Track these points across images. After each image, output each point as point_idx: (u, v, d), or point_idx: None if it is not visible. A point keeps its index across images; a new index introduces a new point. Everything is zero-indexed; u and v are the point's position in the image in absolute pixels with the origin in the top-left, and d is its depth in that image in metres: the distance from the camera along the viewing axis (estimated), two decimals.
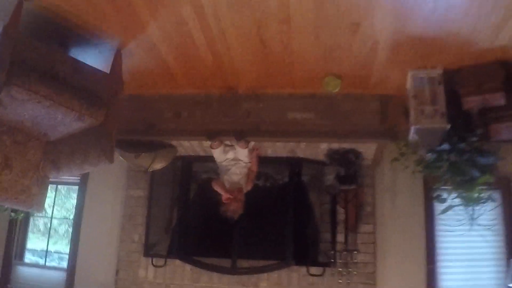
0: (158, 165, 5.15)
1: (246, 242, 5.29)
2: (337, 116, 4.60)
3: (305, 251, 5.18)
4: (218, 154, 4.80)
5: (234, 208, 4.56)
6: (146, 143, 4.98)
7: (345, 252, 4.99)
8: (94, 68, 3.94)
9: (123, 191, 5.79)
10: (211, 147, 4.75)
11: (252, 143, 4.76)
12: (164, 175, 5.63)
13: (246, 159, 4.76)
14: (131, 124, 4.88)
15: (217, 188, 4.69)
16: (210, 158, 4.98)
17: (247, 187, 4.76)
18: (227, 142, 4.81)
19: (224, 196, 4.58)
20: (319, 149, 4.97)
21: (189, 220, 5.56)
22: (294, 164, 5.29)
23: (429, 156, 3.99)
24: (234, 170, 4.78)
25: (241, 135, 4.61)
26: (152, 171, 5.29)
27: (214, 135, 4.67)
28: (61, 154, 4.08)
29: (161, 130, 4.87)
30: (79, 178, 5.99)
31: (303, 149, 5.02)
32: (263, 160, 5.04)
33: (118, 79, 4.03)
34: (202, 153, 5.35)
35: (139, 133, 4.89)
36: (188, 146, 5.14)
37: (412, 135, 3.89)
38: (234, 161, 4.81)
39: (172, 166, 5.49)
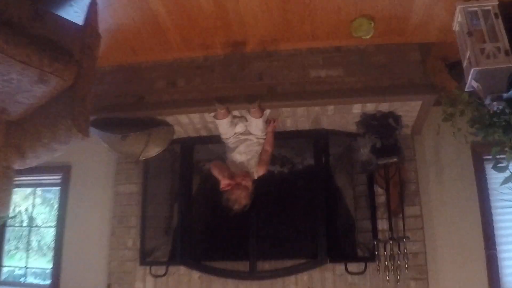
0: (152, 151, 4.23)
1: (266, 239, 4.33)
2: (370, 71, 3.81)
3: (340, 245, 4.24)
4: (224, 126, 3.85)
5: (236, 198, 3.55)
6: (136, 122, 4.01)
7: (391, 242, 3.97)
8: (62, 17, 3.10)
9: (112, 188, 4.82)
10: (216, 117, 3.81)
11: (268, 112, 3.78)
12: (160, 164, 4.69)
13: (259, 133, 3.84)
14: (116, 100, 4.02)
15: (214, 171, 3.71)
16: (215, 138, 4.08)
17: (259, 171, 3.78)
18: (236, 113, 3.90)
19: (222, 182, 3.59)
20: (351, 115, 4.06)
21: (194, 218, 4.59)
22: (320, 138, 4.34)
23: (494, 106, 2.99)
24: (243, 148, 3.84)
25: (254, 99, 3.66)
26: (144, 159, 4.36)
27: (223, 100, 3.71)
28: (25, 136, 3.21)
29: (151, 103, 4.01)
30: (59, 176, 5.04)
31: (330, 117, 4.11)
32: (281, 136, 4.13)
33: (93, 32, 3.16)
34: (204, 133, 4.42)
35: (123, 108, 4.00)
36: (187, 124, 4.22)
37: (470, 83, 3.07)
38: (244, 135, 3.88)
39: (169, 152, 4.57)
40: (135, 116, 4.00)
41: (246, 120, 3.88)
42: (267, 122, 3.88)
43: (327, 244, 4.10)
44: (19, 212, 5.30)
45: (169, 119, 4.07)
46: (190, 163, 4.63)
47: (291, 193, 4.61)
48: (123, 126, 4.02)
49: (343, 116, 4.03)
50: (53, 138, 3.08)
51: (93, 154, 4.87)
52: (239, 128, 3.87)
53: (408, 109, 3.90)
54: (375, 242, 4.01)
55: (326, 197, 4.22)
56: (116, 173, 4.81)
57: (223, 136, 3.89)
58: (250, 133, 3.85)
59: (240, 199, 3.54)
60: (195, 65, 4.06)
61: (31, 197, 5.32)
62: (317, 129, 4.27)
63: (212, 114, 3.82)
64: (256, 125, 3.77)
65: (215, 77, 3.98)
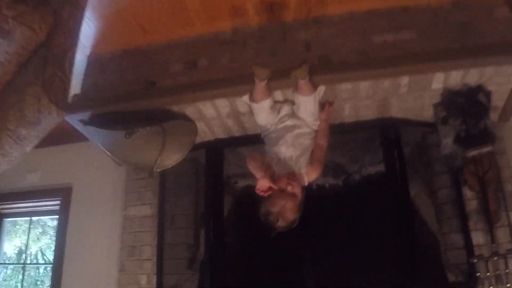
0: (169, 159, 3.25)
1: (325, 269, 3.32)
2: (449, 32, 2.91)
3: (424, 269, 3.14)
4: (264, 112, 2.93)
5: (280, 210, 2.55)
6: (146, 116, 3.08)
7: (495, 258, 2.92)
8: None
9: (121, 212, 3.87)
10: (253, 99, 2.89)
11: (322, 90, 2.90)
12: (181, 178, 3.79)
13: (311, 118, 2.92)
14: (120, 89, 3.19)
15: (250, 163, 2.75)
16: (252, 139, 3.21)
17: (312, 173, 2.77)
18: (279, 98, 3.01)
19: (260, 182, 2.56)
20: (428, 94, 3.10)
21: (227, 246, 3.60)
22: (388, 130, 3.36)
23: None
24: (290, 138, 2.87)
25: (302, 62, 2.70)
26: (160, 171, 3.42)
27: (263, 72, 2.74)
28: None
29: (165, 88, 3.12)
30: (58, 201, 4.09)
31: (402, 98, 3.13)
32: (336, 129, 3.19)
33: None
34: (237, 131, 3.48)
35: (129, 98, 3.13)
36: (212, 117, 3.28)
37: None
38: (291, 121, 2.95)
39: (191, 162, 3.67)
40: (145, 107, 3.09)
41: (293, 103, 2.95)
42: (320, 106, 2.96)
43: (406, 270, 3.05)
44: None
45: (189, 111, 3.15)
46: (220, 174, 3.67)
47: (352, 209, 3.61)
48: (129, 122, 3.05)
49: (419, 95, 3.08)
50: (21, 119, 2.16)
51: (97, 172, 4.03)
52: (284, 111, 2.95)
53: (500, 81, 2.97)
54: (474, 261, 2.94)
55: (399, 209, 3.21)
56: (126, 192, 3.87)
57: (262, 128, 2.94)
58: (299, 118, 2.93)
59: (285, 211, 2.56)
60: (220, 40, 3.17)
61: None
62: (384, 118, 3.28)
63: (247, 96, 2.86)
64: (306, 106, 2.86)
65: (248, 53, 3.08)
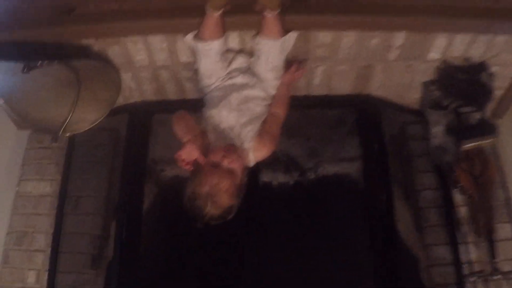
0: (82, 120, 2.47)
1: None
2: None
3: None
4: (211, 57, 2.21)
5: (209, 192, 1.87)
6: (56, 52, 2.31)
7: (497, 277, 2.30)
8: None
9: (13, 188, 2.97)
10: (200, 38, 2.16)
11: (292, 37, 2.21)
12: (93, 150, 2.98)
13: (270, 76, 2.26)
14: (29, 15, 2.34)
15: (177, 126, 2.08)
16: (194, 106, 2.36)
17: (259, 150, 2.08)
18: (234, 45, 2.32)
19: (186, 148, 1.92)
20: (422, 67, 2.48)
21: (144, 245, 2.83)
22: (367, 111, 2.70)
23: None
24: (236, 100, 2.19)
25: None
26: (69, 137, 2.80)
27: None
28: None
29: (87, 14, 2.25)
30: None
31: (388, 68, 2.49)
32: (298, 104, 2.45)
33: None
34: (174, 93, 2.71)
35: (39, 25, 2.31)
36: (143, 66, 2.52)
37: None
38: (243, 78, 2.27)
39: (109, 133, 2.97)
40: (56, 39, 2.29)
41: (251, 56, 2.28)
42: (286, 65, 2.29)
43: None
44: None
45: (114, 52, 2.41)
46: (143, 155, 2.93)
47: (305, 215, 2.96)
48: (33, 55, 2.23)
49: (409, 67, 2.46)
50: None
51: None
52: (237, 63, 2.26)
53: (507, 61, 2.42)
54: (472, 280, 2.31)
55: (372, 216, 2.61)
56: (23, 163, 3.01)
57: (204, 82, 2.19)
58: (253, 76, 2.24)
59: (217, 193, 1.87)
60: None
61: None
62: (361, 95, 2.61)
63: (191, 35, 2.17)
64: (269, 54, 2.18)
65: None
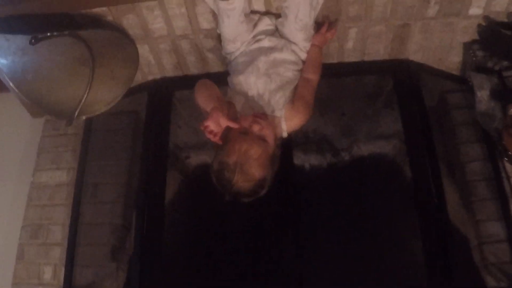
0: (100, 101, 2.35)
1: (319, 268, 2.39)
2: None
3: (453, 271, 2.19)
4: (235, 18, 1.98)
5: (239, 159, 1.68)
6: (66, 22, 2.21)
7: None
8: None
9: (28, 179, 2.81)
10: None
11: None
12: (112, 135, 2.77)
13: (301, 36, 2.06)
14: None
15: (200, 95, 1.87)
16: (220, 79, 2.13)
17: (293, 118, 1.91)
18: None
19: (211, 117, 1.65)
20: (463, 24, 2.27)
21: (167, 238, 2.55)
22: (405, 78, 2.44)
23: None
24: (264, 65, 1.99)
25: None
26: (86, 121, 2.66)
27: None
28: None
29: None
30: None
31: (427, 27, 2.28)
32: (329, 72, 2.26)
33: None
34: (194, 67, 2.54)
35: None
36: (161, 35, 2.36)
37: None
38: (271, 41, 2.07)
39: (127, 115, 2.74)
40: (67, 9, 2.14)
41: (277, 17, 2.11)
42: (316, 26, 2.11)
43: (429, 271, 2.15)
44: None
45: (129, 21, 2.25)
46: (165, 140, 2.67)
47: (347, 197, 2.73)
48: (39, 26, 2.07)
49: (449, 25, 2.25)
50: None
51: (7, 126, 3.01)
52: (263, 25, 2.07)
53: None
54: None
55: (418, 191, 2.32)
56: (39, 153, 2.85)
57: (228, 46, 2.00)
58: (282, 39, 2.06)
59: (247, 161, 1.67)
60: None
61: None
62: (398, 59, 2.40)
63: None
64: (298, 12, 1.98)
65: None
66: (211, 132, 1.63)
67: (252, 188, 1.69)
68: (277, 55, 1.98)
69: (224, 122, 1.63)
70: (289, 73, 1.99)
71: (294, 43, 2.03)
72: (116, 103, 2.38)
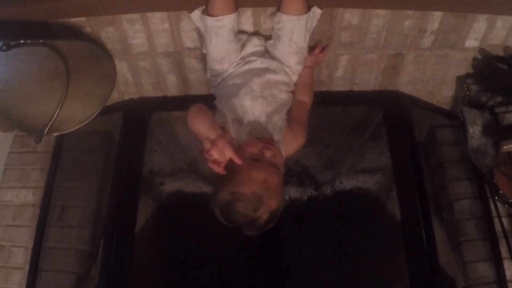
0: (71, 119, 2.25)
1: None
2: None
3: None
4: (223, 36, 1.88)
5: (260, 190, 1.51)
6: (42, 29, 2.07)
7: None
8: None
9: None
10: (210, 12, 1.86)
11: (317, 13, 1.93)
12: (83, 155, 2.61)
13: (295, 59, 1.96)
14: None
15: (196, 121, 1.69)
16: (196, 100, 1.95)
17: (292, 141, 1.81)
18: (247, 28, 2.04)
19: (215, 146, 1.50)
20: (457, 57, 2.19)
21: (136, 270, 2.36)
22: (394, 110, 2.35)
23: None
24: (259, 86, 1.87)
25: None
26: (57, 140, 2.54)
27: None
28: None
29: None
30: None
31: (421, 58, 2.21)
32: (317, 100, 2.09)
33: None
34: (177, 88, 2.41)
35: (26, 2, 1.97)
36: (142, 52, 2.22)
37: None
38: (261, 63, 1.95)
39: (101, 136, 2.61)
40: (43, 18, 2.03)
41: (267, 39, 2.02)
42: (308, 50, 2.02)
43: None
44: None
45: (108, 34, 2.11)
46: (138, 165, 2.50)
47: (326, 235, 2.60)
48: (12, 33, 1.96)
49: (444, 57, 2.18)
50: None
51: None
52: (253, 46, 1.98)
53: None
54: None
55: (406, 227, 2.20)
56: (5, 169, 2.69)
57: (215, 68, 1.94)
58: (273, 60, 1.95)
59: (267, 192, 1.53)
60: None
61: None
62: (389, 91, 2.34)
63: (199, 10, 1.91)
64: (292, 34, 1.88)
65: None
66: (214, 161, 1.49)
67: (268, 221, 1.56)
68: (271, 76, 1.88)
69: (230, 153, 1.49)
70: (283, 95, 1.89)
71: (287, 66, 1.92)
72: (90, 122, 2.25)
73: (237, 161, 1.50)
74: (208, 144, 1.55)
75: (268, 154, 1.60)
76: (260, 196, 1.51)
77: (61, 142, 2.57)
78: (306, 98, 1.95)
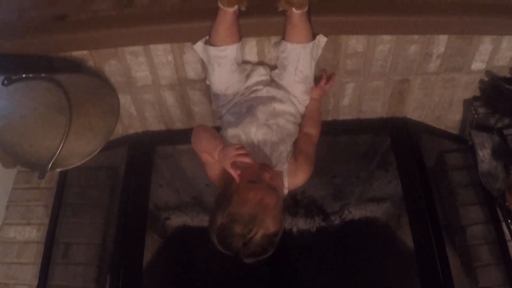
0: (75, 154, 2.18)
1: None
2: None
3: None
4: (226, 66, 1.86)
5: (256, 211, 1.47)
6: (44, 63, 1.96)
7: None
8: None
9: None
10: (212, 42, 1.84)
11: (322, 42, 1.92)
12: (88, 191, 2.58)
13: (301, 88, 1.94)
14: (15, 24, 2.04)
15: (202, 139, 1.73)
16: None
17: (297, 174, 1.75)
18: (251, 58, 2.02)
19: (231, 150, 1.54)
20: (464, 80, 2.17)
21: None
22: (403, 139, 2.33)
23: None
24: (263, 115, 1.84)
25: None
26: (61, 177, 2.50)
27: None
28: None
29: (79, 21, 1.99)
30: None
31: (427, 82, 2.18)
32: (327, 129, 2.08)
33: None
34: (181, 120, 2.38)
35: (23, 34, 1.98)
36: (145, 85, 2.21)
37: None
38: (267, 92, 1.94)
39: (105, 171, 2.58)
40: (45, 51, 2.02)
41: (272, 68, 2.00)
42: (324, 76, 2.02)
43: None
44: None
45: (111, 67, 2.10)
46: (144, 201, 2.48)
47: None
48: (14, 67, 1.95)
49: (450, 81, 2.16)
50: None
51: None
52: (258, 76, 1.96)
53: None
54: None
55: (420, 255, 2.17)
56: (8, 205, 2.65)
57: (219, 99, 1.95)
58: (280, 89, 1.94)
59: (263, 213, 1.48)
60: None
61: None
62: (396, 118, 2.33)
63: (202, 41, 1.90)
64: (297, 63, 1.87)
65: None
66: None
67: (264, 245, 1.50)
68: (277, 106, 1.86)
69: (247, 156, 1.49)
70: (289, 125, 1.86)
71: (293, 95, 1.89)
72: (94, 157, 2.21)
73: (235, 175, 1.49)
74: (213, 160, 1.56)
75: (266, 175, 1.56)
76: (256, 216, 1.46)
77: (65, 177, 2.54)
78: (313, 131, 1.91)
